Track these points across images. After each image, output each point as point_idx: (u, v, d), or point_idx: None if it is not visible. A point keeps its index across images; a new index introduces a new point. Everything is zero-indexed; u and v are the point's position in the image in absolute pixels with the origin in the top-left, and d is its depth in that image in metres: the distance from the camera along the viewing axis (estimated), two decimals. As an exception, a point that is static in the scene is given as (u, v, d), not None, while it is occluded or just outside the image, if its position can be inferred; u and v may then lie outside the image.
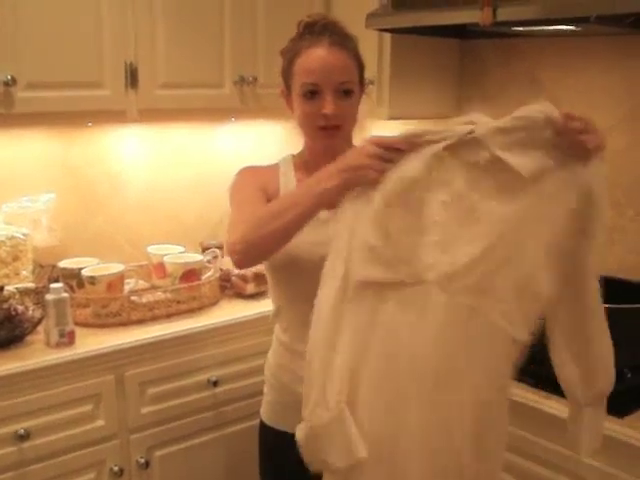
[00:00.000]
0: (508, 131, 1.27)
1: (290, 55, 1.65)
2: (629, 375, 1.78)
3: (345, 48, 1.62)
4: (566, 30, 2.16)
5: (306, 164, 1.73)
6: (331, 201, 1.39)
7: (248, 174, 1.75)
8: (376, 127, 2.93)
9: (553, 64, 2.41)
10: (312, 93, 1.60)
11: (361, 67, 1.68)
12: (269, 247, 1.51)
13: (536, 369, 1.84)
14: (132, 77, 2.21)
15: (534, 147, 1.26)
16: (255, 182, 1.71)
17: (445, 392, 1.31)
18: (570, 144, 1.26)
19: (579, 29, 2.11)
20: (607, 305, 1.77)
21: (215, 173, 2.78)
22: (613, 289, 1.92)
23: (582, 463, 1.64)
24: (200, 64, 2.36)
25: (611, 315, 1.79)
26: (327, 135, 1.64)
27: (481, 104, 2.64)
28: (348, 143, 1.72)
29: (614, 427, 1.59)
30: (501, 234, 1.27)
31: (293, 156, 1.78)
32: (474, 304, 1.29)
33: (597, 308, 1.39)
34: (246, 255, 1.52)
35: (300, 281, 1.61)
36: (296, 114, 1.67)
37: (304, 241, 1.52)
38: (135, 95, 2.23)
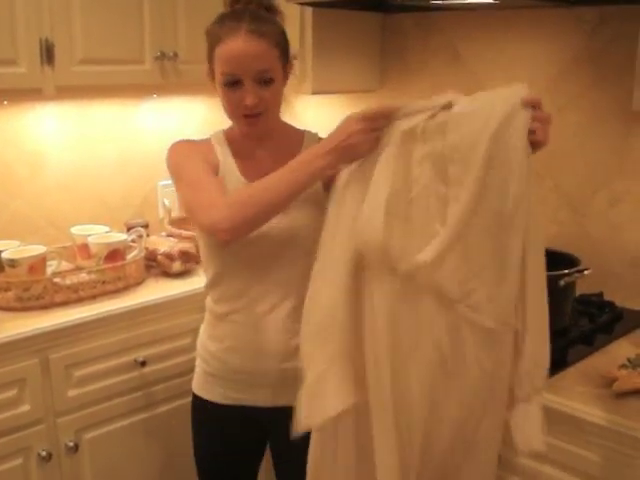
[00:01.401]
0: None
1: (212, 40, 1.63)
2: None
3: (263, 35, 1.59)
4: (485, 3, 2.19)
5: (238, 144, 1.73)
6: (323, 178, 1.50)
7: (186, 147, 1.73)
8: (300, 102, 2.94)
9: (473, 37, 2.45)
10: (233, 82, 1.59)
11: (284, 50, 1.66)
12: (260, 223, 1.54)
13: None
14: (48, 53, 2.15)
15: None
16: (197, 154, 1.69)
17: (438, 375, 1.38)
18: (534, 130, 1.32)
19: (498, 2, 2.14)
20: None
21: (139, 151, 2.74)
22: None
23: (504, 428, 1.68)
24: (119, 39, 2.31)
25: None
26: (250, 123, 1.65)
27: (403, 78, 2.66)
28: (275, 125, 1.73)
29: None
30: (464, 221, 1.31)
31: (224, 131, 1.78)
32: (441, 295, 1.34)
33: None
34: (238, 231, 1.54)
35: (242, 248, 1.63)
36: (220, 97, 1.66)
37: None
38: (52, 72, 2.16)
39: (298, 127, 1.82)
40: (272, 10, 1.68)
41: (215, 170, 1.67)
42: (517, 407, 1.41)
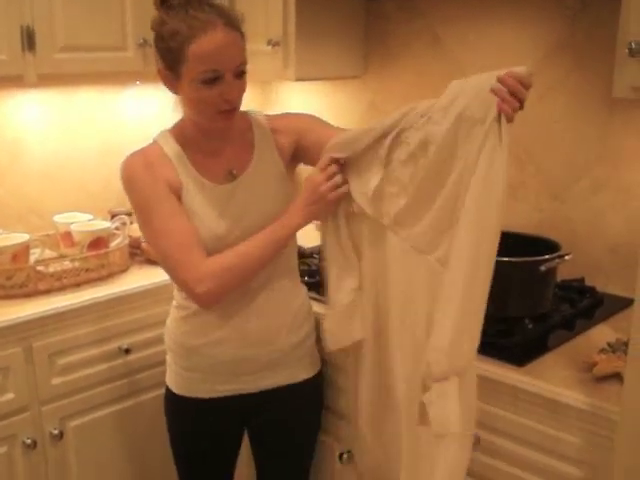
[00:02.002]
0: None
1: (180, 38, 1.55)
2: (530, 326, 1.85)
3: (235, 26, 1.58)
4: (467, -11, 2.19)
5: (195, 142, 1.69)
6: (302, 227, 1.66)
7: (146, 173, 1.65)
8: (284, 89, 2.93)
9: (454, 21, 2.44)
10: (213, 79, 1.55)
11: (244, 37, 1.64)
12: (240, 286, 1.67)
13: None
14: (29, 40, 2.14)
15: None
16: (159, 182, 1.63)
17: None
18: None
19: (480, -13, 2.14)
20: (510, 259, 1.84)
21: (122, 138, 2.73)
22: (514, 244, 1.99)
23: (482, 410, 1.70)
24: (101, 26, 2.30)
25: (513, 268, 1.87)
26: (227, 117, 1.62)
27: (386, 63, 2.66)
28: (239, 115, 1.69)
29: (515, 375, 1.65)
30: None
31: (170, 131, 1.72)
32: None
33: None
34: (218, 300, 1.65)
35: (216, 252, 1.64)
36: (186, 98, 1.62)
37: (219, 225, 1.66)
38: (33, 59, 2.16)
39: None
40: (232, 12, 1.63)
41: (177, 187, 1.64)
42: (433, 387, 1.47)
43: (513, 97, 1.35)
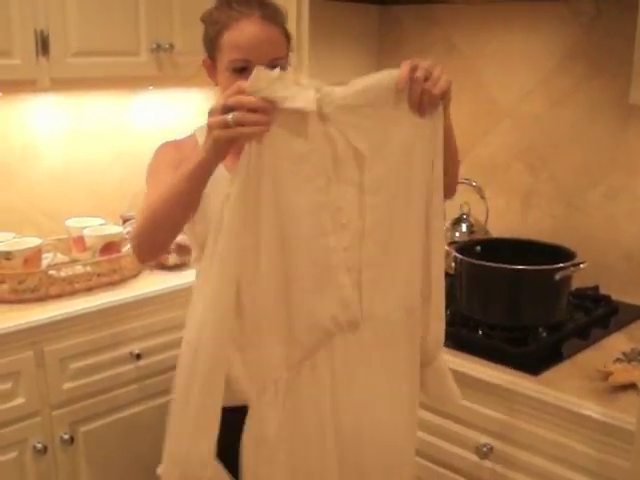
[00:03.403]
0: (354, 108, 1.29)
1: (218, 27, 1.57)
2: (544, 334, 1.83)
3: (276, 23, 1.57)
4: (482, -4, 2.19)
5: None
6: (205, 177, 1.39)
7: (167, 152, 1.67)
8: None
9: (469, 31, 2.44)
10: (242, 69, 1.53)
11: (289, 42, 1.63)
12: (163, 236, 1.50)
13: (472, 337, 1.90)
14: (43, 45, 2.13)
15: (381, 117, 1.30)
16: (172, 163, 1.62)
17: None
18: (416, 95, 1.30)
19: (495, -5, 2.14)
20: (524, 267, 1.83)
21: (134, 143, 2.73)
22: (528, 252, 1.99)
23: (496, 420, 1.69)
24: (114, 31, 2.30)
25: (528, 276, 1.86)
26: None
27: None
28: None
29: (529, 385, 1.64)
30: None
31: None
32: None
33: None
34: (140, 252, 1.53)
35: None
36: (221, 87, 1.60)
37: None
38: (47, 63, 2.15)
39: None
40: (278, 8, 1.62)
41: None
42: (424, 370, 1.49)
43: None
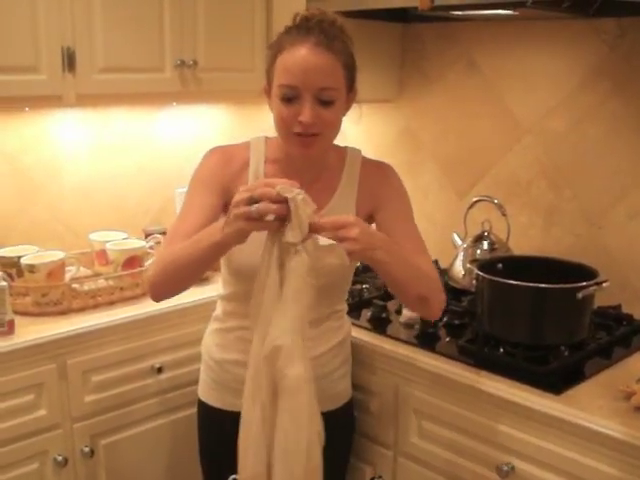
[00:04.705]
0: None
1: (274, 51, 1.55)
2: (566, 353, 1.82)
3: (331, 50, 1.51)
4: (504, 14, 2.19)
5: (279, 162, 1.67)
6: (225, 249, 1.49)
7: (212, 161, 1.68)
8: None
9: (491, 48, 2.45)
10: (290, 97, 1.51)
11: (351, 74, 1.57)
12: (178, 284, 1.61)
13: (475, 349, 1.89)
14: (69, 61, 2.17)
15: None
16: (217, 176, 1.64)
17: None
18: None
19: (517, 13, 2.14)
20: (546, 285, 1.82)
21: (157, 158, 2.76)
22: (550, 270, 1.98)
23: (517, 439, 1.68)
24: (139, 48, 2.33)
25: (550, 295, 1.85)
26: (303, 143, 1.55)
27: (421, 88, 2.67)
28: (327, 152, 1.65)
29: (551, 404, 1.63)
30: None
31: (267, 140, 1.71)
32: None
33: None
34: (153, 295, 1.64)
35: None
36: (273, 114, 1.58)
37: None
38: (73, 80, 2.18)
39: (339, 145, 1.73)
40: (343, 32, 1.57)
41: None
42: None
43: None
